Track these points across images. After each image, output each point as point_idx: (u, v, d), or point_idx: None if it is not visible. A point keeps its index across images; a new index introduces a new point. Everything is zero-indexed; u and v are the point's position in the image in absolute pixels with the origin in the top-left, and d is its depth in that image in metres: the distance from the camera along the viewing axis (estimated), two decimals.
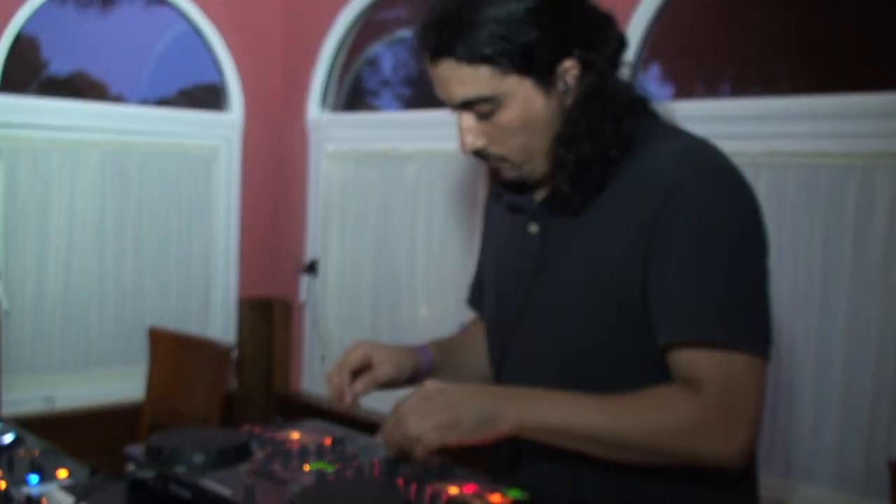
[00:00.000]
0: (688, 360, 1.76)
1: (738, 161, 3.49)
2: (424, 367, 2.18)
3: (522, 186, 2.05)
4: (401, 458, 1.77)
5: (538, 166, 1.94)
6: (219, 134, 5.46)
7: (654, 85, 4.34)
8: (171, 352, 4.70)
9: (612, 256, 1.85)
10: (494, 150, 1.92)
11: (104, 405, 5.02)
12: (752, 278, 1.80)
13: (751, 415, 1.74)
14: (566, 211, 1.93)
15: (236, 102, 5.50)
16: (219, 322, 5.51)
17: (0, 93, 4.66)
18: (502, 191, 2.13)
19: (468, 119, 1.90)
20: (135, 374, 5.05)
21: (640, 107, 1.95)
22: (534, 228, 2.00)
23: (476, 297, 2.35)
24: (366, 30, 5.51)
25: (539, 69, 1.84)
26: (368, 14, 5.38)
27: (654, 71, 4.35)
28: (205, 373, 4.50)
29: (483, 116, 1.88)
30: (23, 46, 4.88)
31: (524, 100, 1.85)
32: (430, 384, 1.78)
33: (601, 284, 1.86)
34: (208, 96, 5.62)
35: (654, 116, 1.99)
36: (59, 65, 5.26)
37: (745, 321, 1.76)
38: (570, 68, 1.86)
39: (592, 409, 1.75)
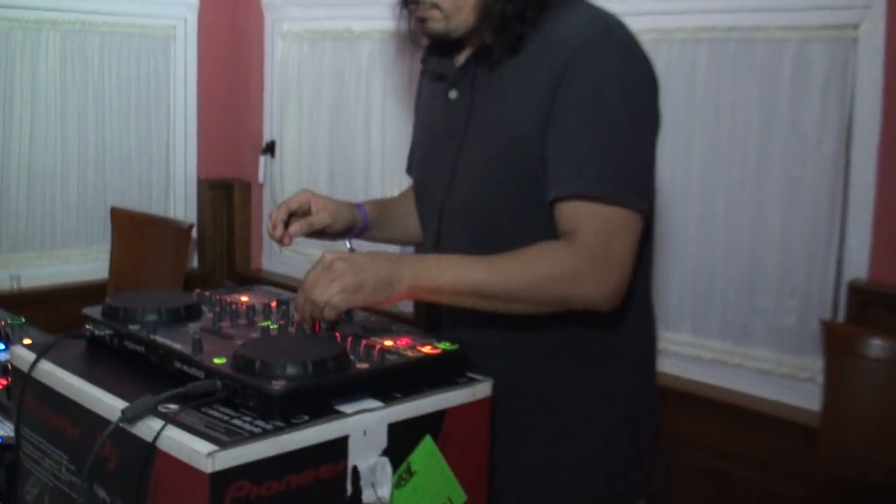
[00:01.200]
0: (569, 212, 1.89)
1: (676, 36, 3.64)
2: (360, 222, 2.30)
3: (445, 51, 2.16)
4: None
5: (464, 20, 2.03)
6: (176, 13, 5.47)
7: None
8: (132, 231, 4.78)
9: (518, 120, 1.96)
10: None
11: (68, 283, 5.11)
12: (636, 142, 1.93)
13: (623, 264, 1.88)
14: (483, 67, 2.04)
15: None
16: (179, 202, 5.59)
17: None
18: (428, 58, 2.23)
19: None
20: (98, 253, 5.17)
21: None
22: (453, 94, 2.11)
23: (411, 166, 2.44)
24: None
25: None
26: None
27: None
28: (166, 252, 4.58)
29: None
30: None
31: None
32: (328, 254, 1.85)
33: (508, 147, 1.98)
34: None
35: None
36: None
37: (625, 179, 1.88)
38: None
39: (478, 267, 1.87)
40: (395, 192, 4.73)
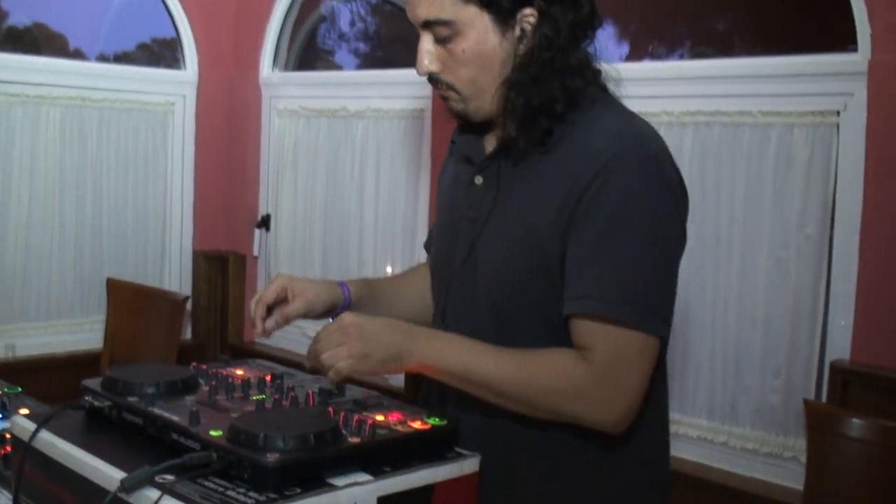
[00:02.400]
0: (584, 329, 1.87)
1: (663, 120, 3.72)
2: (342, 302, 2.27)
3: (474, 130, 2.14)
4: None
5: (483, 105, 2.01)
6: (174, 91, 5.58)
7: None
8: (127, 302, 4.82)
9: (541, 217, 1.93)
10: (446, 77, 2.00)
11: (64, 353, 5.16)
12: (660, 264, 1.90)
13: (633, 390, 1.85)
14: (510, 157, 2.02)
15: (191, 59, 5.62)
16: (174, 274, 5.66)
17: None
18: (457, 139, 2.21)
19: (427, 42, 2.00)
20: (93, 324, 5.22)
21: (589, 71, 2.02)
22: (479, 180, 2.09)
23: (430, 243, 2.41)
24: None
25: (499, 8, 1.92)
26: None
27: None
28: (160, 323, 4.62)
29: (441, 41, 1.97)
30: None
31: (480, 33, 1.93)
32: (346, 316, 1.90)
33: (526, 242, 1.95)
34: (166, 50, 5.74)
35: (603, 87, 2.06)
36: (18, 16, 5.34)
37: (646, 303, 1.85)
38: (528, 16, 1.95)
39: (489, 359, 1.88)
40: (389, 267, 4.85)
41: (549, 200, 1.93)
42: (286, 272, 5.26)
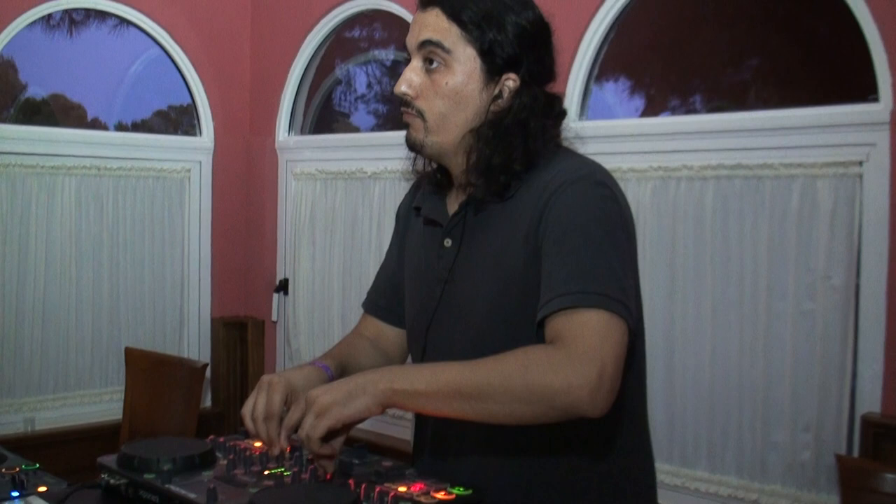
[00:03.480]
0: (552, 325, 1.87)
1: (683, 174, 3.70)
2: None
3: (437, 190, 2.22)
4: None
5: (443, 142, 2.09)
6: (190, 157, 5.59)
7: (616, 100, 4.51)
8: (146, 371, 4.79)
9: (513, 261, 1.99)
10: (419, 103, 2.08)
11: (83, 425, 5.13)
12: (615, 260, 1.91)
13: (604, 357, 1.78)
14: (473, 211, 2.09)
15: (207, 126, 5.63)
16: (193, 341, 5.64)
17: None
18: (422, 206, 2.25)
19: (416, 65, 2.09)
20: (112, 394, 5.21)
21: (551, 136, 2.12)
22: (448, 242, 2.15)
23: (377, 304, 2.45)
24: (334, 48, 5.68)
25: (492, 62, 2.04)
26: (336, 34, 5.53)
27: (613, 86, 4.51)
28: (180, 391, 4.58)
29: (429, 64, 2.06)
30: (1, 70, 5.00)
31: (468, 75, 2.05)
32: (311, 394, 1.85)
33: (505, 285, 2.00)
34: (183, 116, 5.76)
35: (558, 146, 2.14)
36: (36, 88, 5.38)
37: (599, 287, 1.85)
38: (510, 80, 2.06)
39: (454, 366, 1.85)
40: None
41: (515, 238, 2.00)
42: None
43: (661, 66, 4.58)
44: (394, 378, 1.83)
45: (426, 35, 2.06)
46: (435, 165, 2.21)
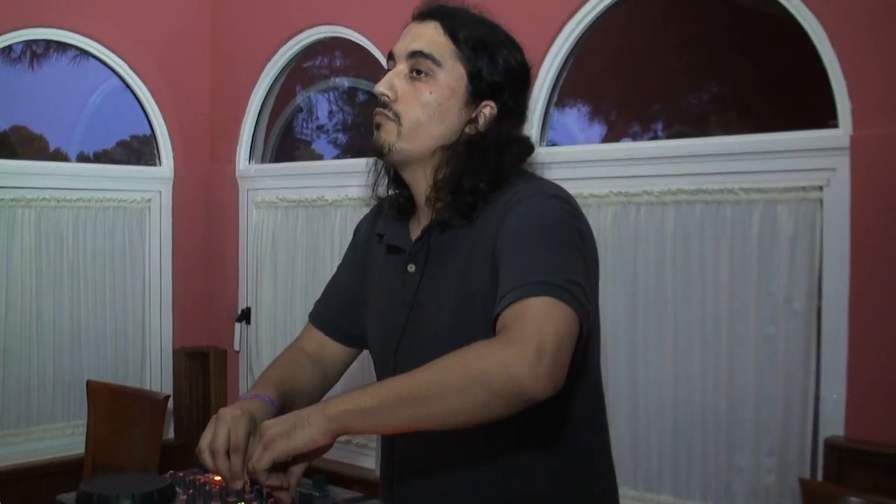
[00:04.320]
0: (500, 319, 1.83)
1: (643, 199, 3.72)
2: (273, 411, 2.11)
3: (399, 214, 2.23)
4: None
5: (411, 150, 2.10)
6: (150, 187, 5.56)
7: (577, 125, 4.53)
8: (108, 404, 4.75)
9: (477, 283, 2.00)
10: (397, 106, 2.10)
11: (45, 460, 5.08)
12: (558, 255, 1.89)
13: (538, 334, 1.74)
14: (436, 235, 2.11)
15: (166, 155, 5.61)
16: (155, 373, 5.59)
17: None
18: (384, 232, 2.26)
19: (400, 70, 2.11)
20: (74, 428, 5.15)
21: (519, 161, 2.16)
22: (412, 268, 2.16)
23: (323, 317, 2.43)
24: (294, 76, 5.68)
25: (477, 85, 2.10)
26: (295, 63, 5.53)
27: (573, 112, 4.53)
28: (142, 423, 4.55)
29: (416, 73, 2.09)
30: None
31: (451, 91, 2.09)
32: (261, 426, 1.84)
33: (471, 307, 2.01)
34: (146, 147, 5.73)
35: (522, 171, 2.16)
36: None
37: (543, 276, 1.83)
38: (489, 106, 2.11)
39: (397, 378, 1.83)
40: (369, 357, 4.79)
41: (478, 260, 2.02)
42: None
43: (621, 92, 4.60)
44: (338, 401, 1.80)
45: (419, 45, 2.09)
46: (395, 190, 2.22)
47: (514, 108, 2.14)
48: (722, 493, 3.70)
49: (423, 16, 2.15)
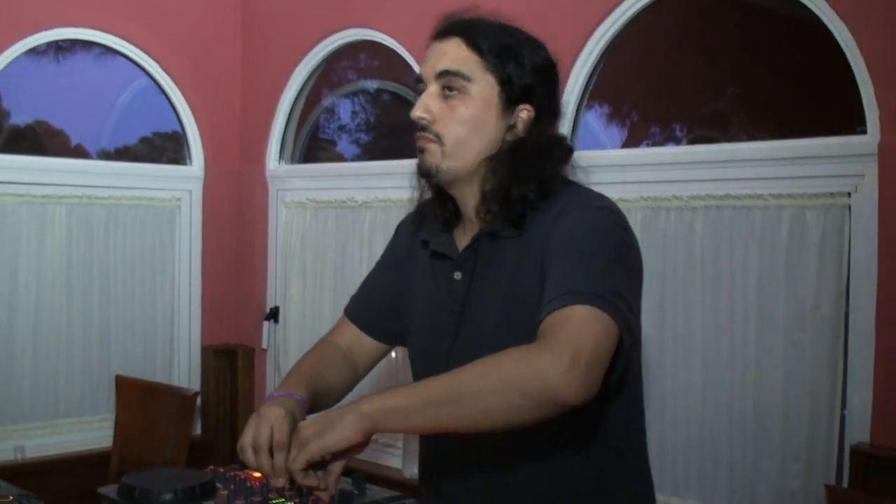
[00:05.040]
0: (541, 326, 1.87)
1: (672, 204, 3.72)
2: (304, 410, 2.14)
3: (444, 235, 2.24)
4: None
5: (458, 167, 2.12)
6: (181, 186, 5.61)
7: (596, 126, 4.54)
8: (137, 399, 4.79)
9: (526, 293, 2.02)
10: (437, 128, 2.11)
11: (73, 453, 5.12)
12: (605, 266, 1.93)
13: (575, 341, 1.77)
14: (485, 245, 2.13)
15: (197, 155, 5.65)
16: (184, 369, 5.64)
17: None
18: (430, 240, 2.27)
19: (432, 91, 2.12)
20: (102, 422, 5.19)
21: (562, 165, 2.18)
22: (458, 275, 2.18)
23: (360, 312, 2.48)
24: (323, 79, 5.70)
25: (511, 91, 2.11)
26: (325, 65, 5.56)
27: (599, 114, 4.54)
28: (170, 419, 4.58)
29: (448, 91, 2.10)
30: None
31: (486, 102, 2.10)
32: (299, 426, 1.87)
33: (516, 315, 2.03)
34: (168, 143, 5.77)
35: (567, 180, 2.18)
36: (20, 115, 5.38)
37: (588, 286, 1.86)
38: (526, 110, 2.12)
39: (431, 378, 1.85)
40: (393, 353, 4.81)
41: (529, 272, 2.03)
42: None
43: (644, 96, 4.60)
44: (372, 400, 1.82)
45: (446, 64, 2.10)
46: (439, 202, 2.23)
47: (548, 106, 2.17)
48: (748, 499, 3.71)
49: (442, 34, 2.16)
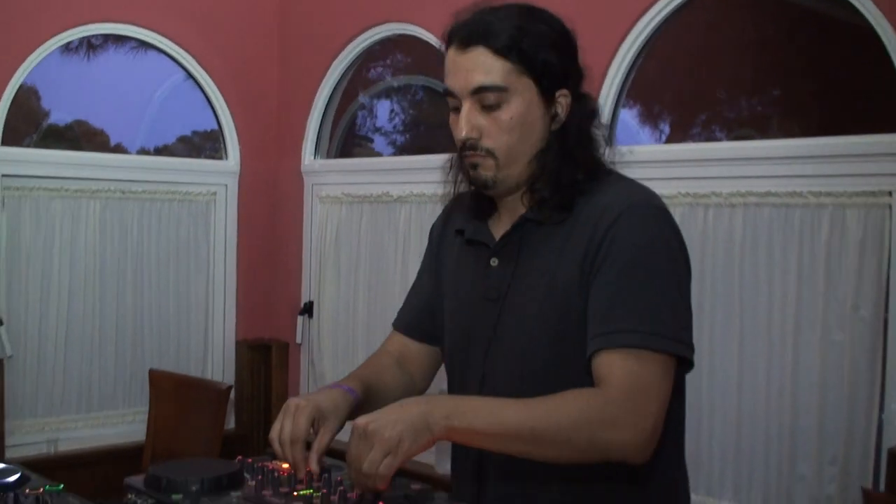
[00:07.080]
0: (603, 362, 1.90)
1: (712, 201, 3.69)
2: (356, 407, 2.15)
3: (479, 222, 2.21)
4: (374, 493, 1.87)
5: (513, 174, 2.08)
6: (216, 181, 5.61)
7: (633, 125, 4.51)
8: (170, 393, 4.79)
9: (565, 277, 2.00)
10: (486, 143, 2.05)
11: (106, 446, 5.14)
12: (669, 292, 1.95)
13: (654, 407, 1.86)
14: (525, 233, 2.11)
15: (232, 149, 5.65)
16: (217, 363, 5.65)
17: (2, 145, 4.82)
18: (465, 228, 2.24)
19: (470, 109, 2.06)
20: (135, 416, 5.21)
21: (604, 148, 2.15)
22: (495, 262, 2.15)
23: (407, 322, 2.44)
24: (358, 76, 5.69)
25: (546, 85, 2.05)
26: (360, 62, 5.55)
27: (635, 112, 4.51)
28: (204, 413, 4.58)
29: (487, 108, 2.04)
30: (23, 97, 5.02)
31: (528, 102, 2.04)
32: (360, 421, 1.82)
33: (558, 306, 2.01)
34: (206, 142, 5.78)
35: (608, 170, 2.15)
36: (59, 114, 5.40)
37: (657, 327, 1.89)
38: (564, 96, 2.08)
39: (512, 407, 1.86)
40: None
41: (570, 261, 2.01)
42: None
43: (682, 93, 4.57)
44: (450, 414, 1.82)
45: (479, 80, 2.03)
46: (474, 190, 2.19)
47: (577, 76, 2.12)
48: (784, 501, 3.67)
49: (463, 44, 2.08)
